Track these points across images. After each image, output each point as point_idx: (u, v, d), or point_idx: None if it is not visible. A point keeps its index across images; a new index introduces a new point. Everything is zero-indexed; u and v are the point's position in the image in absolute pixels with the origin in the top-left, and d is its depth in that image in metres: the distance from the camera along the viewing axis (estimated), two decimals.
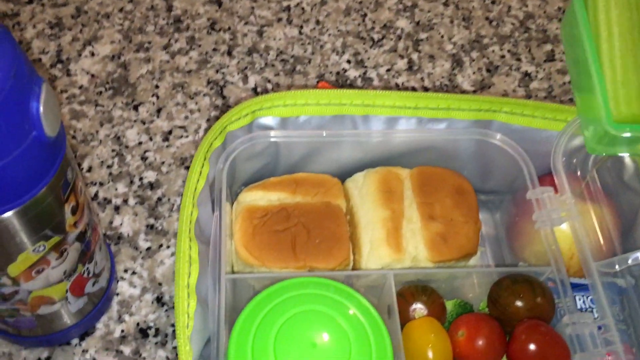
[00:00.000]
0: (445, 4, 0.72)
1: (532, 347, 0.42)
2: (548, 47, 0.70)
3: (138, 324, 0.49)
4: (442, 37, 0.69)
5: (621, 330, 0.47)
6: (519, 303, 0.44)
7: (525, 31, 0.71)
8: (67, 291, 0.43)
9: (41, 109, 0.33)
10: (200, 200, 0.45)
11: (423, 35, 0.69)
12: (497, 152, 0.50)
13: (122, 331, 0.48)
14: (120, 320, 0.49)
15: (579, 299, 0.48)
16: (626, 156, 0.51)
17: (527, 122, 0.50)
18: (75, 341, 0.47)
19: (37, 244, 0.38)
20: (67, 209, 0.38)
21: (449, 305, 0.46)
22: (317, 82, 0.64)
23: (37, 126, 0.33)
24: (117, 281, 0.50)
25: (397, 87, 0.65)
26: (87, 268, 0.43)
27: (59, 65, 0.63)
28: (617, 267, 0.47)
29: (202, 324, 0.40)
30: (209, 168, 0.46)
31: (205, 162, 0.46)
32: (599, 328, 0.43)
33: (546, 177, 0.52)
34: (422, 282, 0.46)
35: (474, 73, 0.67)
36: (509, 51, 0.69)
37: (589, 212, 0.49)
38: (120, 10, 0.67)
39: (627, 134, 0.31)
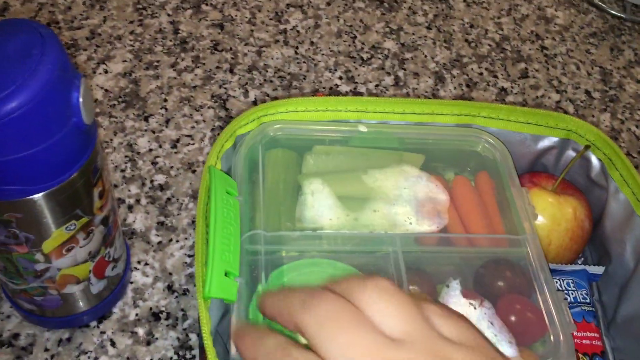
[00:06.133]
0: (428, 27, 0.79)
1: (512, 318, 0.47)
2: (522, 65, 0.77)
3: (151, 309, 0.53)
4: (426, 56, 0.75)
5: (588, 311, 0.52)
6: (500, 282, 0.49)
7: (501, 51, 0.78)
8: (90, 272, 0.47)
9: (81, 98, 0.38)
10: None
11: (408, 55, 0.75)
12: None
13: (137, 315, 0.52)
14: (134, 305, 0.53)
15: (556, 282, 0.53)
16: (592, 156, 0.57)
17: (503, 125, 0.56)
18: (93, 324, 0.51)
19: (69, 223, 0.42)
20: (96, 192, 0.43)
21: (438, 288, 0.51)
22: (313, 94, 0.70)
23: (76, 113, 0.38)
24: (132, 271, 0.55)
25: None
26: (108, 252, 0.48)
27: None
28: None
29: (219, 301, 0.44)
30: (220, 166, 0.51)
31: (217, 160, 0.51)
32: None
33: (523, 176, 0.57)
34: (415, 266, 0.51)
35: (454, 88, 0.73)
36: (486, 69, 0.75)
37: (565, 203, 0.55)
38: (131, 33, 0.73)
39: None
